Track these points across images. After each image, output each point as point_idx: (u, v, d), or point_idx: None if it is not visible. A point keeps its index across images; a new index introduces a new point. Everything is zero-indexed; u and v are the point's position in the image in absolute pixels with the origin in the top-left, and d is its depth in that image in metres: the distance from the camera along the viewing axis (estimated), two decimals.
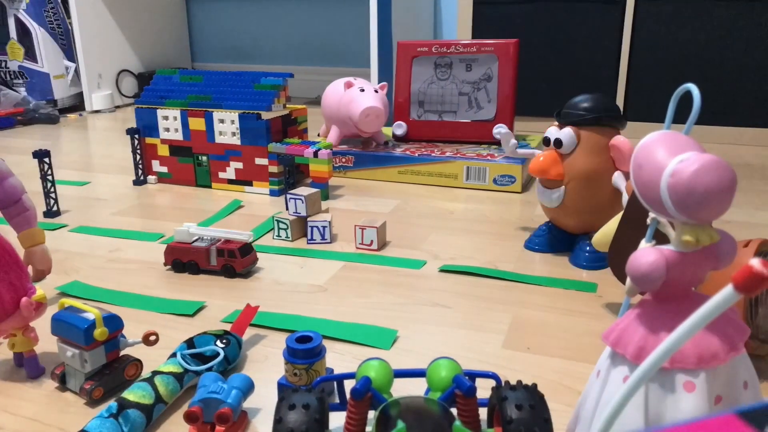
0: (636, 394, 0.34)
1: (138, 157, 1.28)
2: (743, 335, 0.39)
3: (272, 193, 1.21)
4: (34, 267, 0.72)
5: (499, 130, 0.91)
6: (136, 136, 1.27)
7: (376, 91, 1.29)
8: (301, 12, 2.48)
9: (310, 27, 2.49)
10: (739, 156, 1.47)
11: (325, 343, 0.66)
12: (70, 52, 2.24)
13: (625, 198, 0.79)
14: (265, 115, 1.18)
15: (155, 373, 0.57)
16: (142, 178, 1.30)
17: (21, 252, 0.67)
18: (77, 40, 2.12)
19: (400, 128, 1.42)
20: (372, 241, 0.92)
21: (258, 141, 1.18)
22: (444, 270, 0.85)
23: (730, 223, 1.01)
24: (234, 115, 1.18)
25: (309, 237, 0.95)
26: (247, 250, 0.83)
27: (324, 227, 0.95)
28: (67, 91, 2.24)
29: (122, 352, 0.60)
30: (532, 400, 0.44)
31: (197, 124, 1.22)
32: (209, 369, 0.59)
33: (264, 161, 1.19)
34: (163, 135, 1.26)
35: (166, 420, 0.55)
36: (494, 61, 1.35)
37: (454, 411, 0.47)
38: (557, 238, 0.91)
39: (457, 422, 0.42)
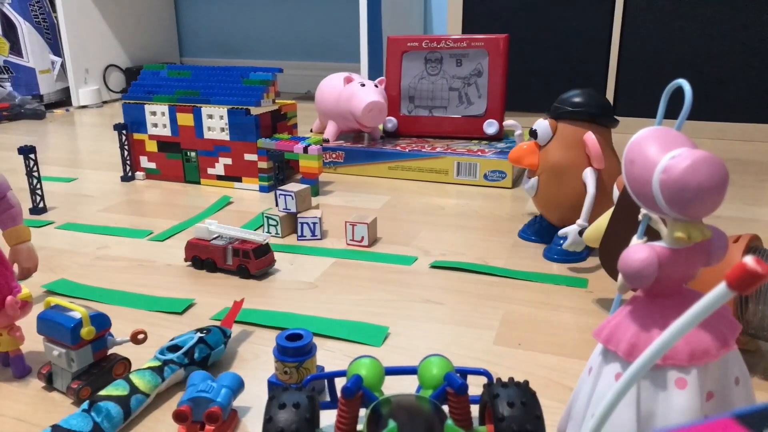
0: (628, 391, 0.34)
1: (126, 153, 1.27)
2: (735, 331, 0.39)
3: (262, 189, 1.20)
4: (20, 265, 0.72)
5: (508, 122, 0.93)
6: (124, 131, 1.26)
7: (376, 86, 1.29)
8: (290, 6, 2.47)
9: (299, 22, 2.47)
10: (728, 151, 1.48)
11: (316, 340, 0.65)
12: (56, 47, 2.22)
13: (591, 196, 0.81)
14: (254, 111, 1.17)
15: (130, 372, 0.56)
16: (129, 174, 1.28)
17: (6, 250, 0.66)
18: (63, 35, 2.10)
19: (390, 123, 1.42)
20: (363, 238, 0.92)
21: (247, 137, 1.17)
22: (435, 266, 0.85)
23: (720, 219, 1.01)
24: (223, 110, 1.17)
25: (299, 233, 0.95)
26: (262, 251, 0.82)
27: (314, 224, 0.94)
28: (53, 86, 2.22)
29: (110, 351, 0.59)
30: (524, 397, 0.44)
31: (185, 119, 1.21)
32: (186, 353, 0.58)
33: (253, 157, 1.18)
34: (151, 131, 1.25)
35: (154, 420, 0.55)
36: (484, 57, 1.35)
37: (445, 408, 0.47)
38: (546, 230, 0.91)
39: (449, 421, 0.42)
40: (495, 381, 0.46)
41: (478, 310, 0.73)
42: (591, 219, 0.76)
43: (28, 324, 0.63)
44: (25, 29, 2.12)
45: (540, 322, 0.70)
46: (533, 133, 0.87)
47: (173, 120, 1.22)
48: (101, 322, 0.57)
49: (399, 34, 1.47)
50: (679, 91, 0.39)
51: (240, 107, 1.17)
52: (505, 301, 0.75)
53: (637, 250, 0.38)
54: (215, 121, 1.19)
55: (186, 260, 0.86)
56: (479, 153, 1.24)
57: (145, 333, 0.58)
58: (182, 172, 1.25)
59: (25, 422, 0.54)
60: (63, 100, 2.26)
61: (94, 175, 1.35)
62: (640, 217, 0.42)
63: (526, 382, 0.46)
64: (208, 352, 0.60)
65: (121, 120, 1.93)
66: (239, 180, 1.21)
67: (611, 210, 0.70)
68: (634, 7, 1.60)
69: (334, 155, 1.32)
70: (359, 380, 0.46)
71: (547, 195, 0.87)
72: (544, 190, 0.87)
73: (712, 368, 0.38)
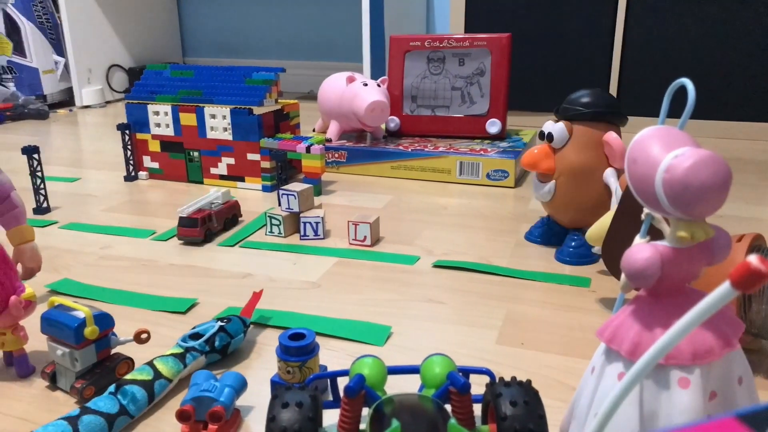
0: (631, 391, 0.34)
1: (129, 152, 1.27)
2: (738, 331, 0.39)
3: (265, 189, 1.20)
4: (24, 265, 0.72)
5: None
6: (127, 131, 1.26)
7: (378, 86, 1.29)
8: (292, 6, 2.47)
9: (301, 21, 2.47)
10: (731, 150, 1.48)
11: (319, 340, 0.65)
12: (59, 47, 2.22)
13: (617, 195, 0.79)
14: (257, 110, 1.17)
15: (154, 359, 0.58)
16: (133, 174, 1.29)
17: (10, 249, 0.66)
18: (66, 35, 2.10)
19: (392, 123, 1.42)
20: (365, 237, 0.92)
21: (250, 136, 1.17)
22: (437, 265, 0.85)
23: (723, 218, 1.01)
24: (225, 110, 1.18)
25: (302, 233, 0.95)
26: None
27: (317, 223, 0.94)
28: (56, 86, 2.22)
29: (113, 351, 0.59)
30: (527, 396, 0.44)
31: (188, 119, 1.21)
32: (207, 341, 0.60)
33: (256, 157, 1.18)
34: (154, 130, 1.25)
35: (158, 419, 0.55)
36: (487, 56, 1.35)
37: (448, 408, 0.47)
38: (554, 231, 0.91)
39: (452, 420, 0.42)
40: (498, 380, 0.46)
41: (480, 310, 0.73)
42: (595, 219, 0.76)
43: (31, 323, 0.63)
44: (28, 29, 2.13)
45: (543, 322, 0.70)
46: (547, 136, 0.84)
47: (176, 120, 1.22)
48: (105, 321, 0.57)
49: (401, 34, 1.47)
50: (683, 90, 0.38)
51: (243, 107, 1.17)
52: (507, 300, 0.75)
53: (640, 250, 0.38)
54: (218, 121, 1.19)
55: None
56: (482, 152, 1.24)
57: (148, 332, 0.58)
58: (185, 171, 1.25)
59: (28, 421, 0.55)
60: (66, 100, 2.26)
61: (98, 174, 1.35)
62: (642, 216, 0.42)
63: (529, 382, 0.46)
64: (228, 340, 0.62)
65: (124, 120, 1.94)
66: (242, 180, 1.21)
67: (614, 209, 0.70)
68: (637, 6, 1.59)
69: (336, 155, 1.32)
70: (362, 379, 0.46)
71: (565, 198, 0.84)
72: (563, 193, 0.84)
73: (715, 368, 0.38)
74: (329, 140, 1.31)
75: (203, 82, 1.23)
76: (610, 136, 0.80)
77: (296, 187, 0.95)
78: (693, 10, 1.55)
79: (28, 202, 0.97)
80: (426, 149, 1.28)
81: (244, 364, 0.63)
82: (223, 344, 0.61)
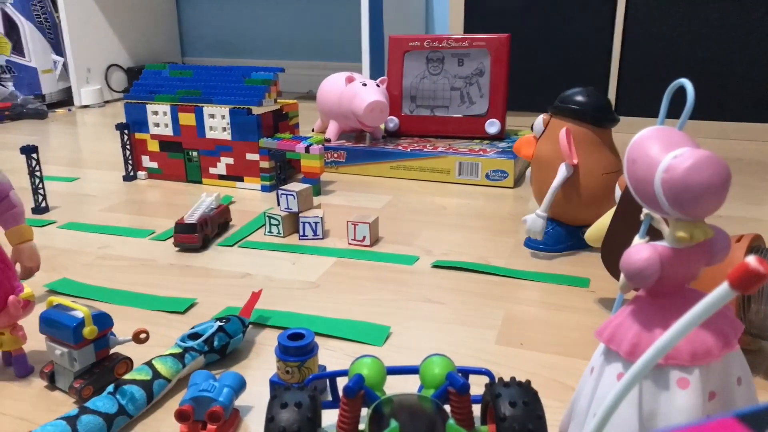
0: (630, 391, 0.34)
1: (128, 152, 1.27)
2: (737, 331, 0.39)
3: (263, 189, 1.20)
4: (22, 264, 0.72)
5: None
6: (126, 131, 1.26)
7: (377, 86, 1.29)
8: (292, 6, 2.47)
9: (301, 21, 2.47)
10: (730, 151, 1.48)
11: (318, 340, 0.65)
12: (58, 47, 2.22)
13: (554, 191, 0.84)
14: (256, 110, 1.17)
15: (153, 359, 0.58)
16: (131, 173, 1.29)
17: (8, 249, 0.66)
18: (65, 35, 2.10)
19: (391, 123, 1.42)
20: (364, 237, 0.92)
21: (249, 136, 1.17)
22: (437, 266, 0.85)
23: (722, 218, 1.01)
24: (224, 110, 1.17)
25: (301, 233, 0.95)
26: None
27: (316, 223, 0.94)
28: (55, 85, 2.22)
29: (112, 351, 0.59)
30: (526, 396, 0.44)
31: (187, 119, 1.21)
32: (206, 341, 0.60)
33: (255, 156, 1.18)
34: (153, 130, 1.25)
35: (157, 419, 0.55)
36: (486, 56, 1.35)
37: (447, 408, 0.47)
38: (555, 237, 0.90)
39: (451, 420, 0.42)
40: (497, 380, 0.46)
41: (479, 310, 0.73)
42: (594, 218, 0.76)
43: (30, 323, 0.63)
44: (27, 29, 2.13)
45: (542, 322, 0.70)
46: (532, 126, 0.92)
47: (175, 120, 1.22)
48: (103, 321, 0.57)
49: (401, 34, 1.47)
50: (682, 90, 0.38)
51: (242, 107, 1.17)
52: (506, 300, 0.75)
53: (639, 250, 0.38)
54: (217, 121, 1.19)
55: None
56: (481, 152, 1.24)
57: (147, 332, 0.58)
58: (184, 171, 1.25)
59: (27, 421, 0.55)
60: (65, 99, 2.26)
61: (96, 174, 1.35)
62: (642, 216, 0.42)
63: (528, 382, 0.46)
64: (227, 340, 0.62)
65: (123, 120, 1.94)
66: (241, 179, 1.21)
67: (613, 209, 0.70)
68: (636, 6, 1.60)
69: (335, 155, 1.32)
70: (361, 380, 0.46)
71: (536, 184, 0.91)
72: (534, 179, 0.92)
73: (715, 368, 0.38)
74: (328, 140, 1.31)
75: (202, 82, 1.23)
76: (561, 132, 0.84)
77: (295, 187, 0.95)
78: (693, 10, 1.55)
79: (26, 202, 0.97)
80: (425, 149, 1.28)
81: (243, 364, 0.63)
82: (222, 344, 0.61)
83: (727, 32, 1.54)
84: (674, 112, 0.45)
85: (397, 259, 0.87)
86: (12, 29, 2.13)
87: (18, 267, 0.72)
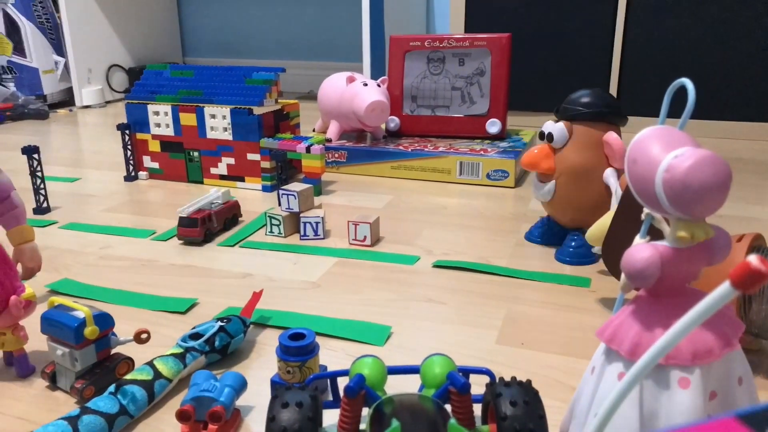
0: (631, 391, 0.34)
1: (129, 152, 1.27)
2: (738, 331, 0.39)
3: (265, 189, 1.20)
4: (24, 265, 0.72)
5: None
6: (127, 131, 1.26)
7: (378, 86, 1.29)
8: (293, 6, 2.47)
9: (302, 21, 2.47)
10: (731, 150, 1.48)
11: (319, 340, 0.65)
12: (59, 47, 2.22)
13: (617, 195, 0.79)
14: (257, 110, 1.17)
15: (154, 359, 0.58)
16: (133, 174, 1.29)
17: (10, 249, 0.66)
18: (66, 35, 2.10)
19: (392, 123, 1.42)
20: (365, 237, 0.92)
21: (250, 136, 1.17)
22: (437, 266, 0.85)
23: (723, 218, 1.01)
24: (225, 110, 1.18)
25: (302, 233, 0.95)
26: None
27: (317, 223, 0.94)
28: (56, 86, 2.22)
29: (113, 351, 0.59)
30: (527, 396, 0.44)
31: (188, 119, 1.21)
32: (207, 341, 0.60)
33: (256, 157, 1.18)
34: (154, 130, 1.25)
35: (158, 419, 0.55)
36: (487, 56, 1.35)
37: (448, 408, 0.47)
38: (554, 231, 0.91)
39: (452, 420, 0.42)
40: (498, 380, 0.46)
41: (480, 310, 0.73)
42: (595, 220, 0.76)
43: (31, 323, 0.63)
44: (28, 29, 2.13)
45: (543, 322, 0.70)
46: (548, 136, 0.84)
47: (176, 120, 1.22)
48: (104, 321, 0.57)
49: (401, 34, 1.47)
50: (683, 90, 0.38)
51: (243, 107, 1.17)
52: (507, 300, 0.75)
53: (640, 250, 0.38)
54: (218, 121, 1.19)
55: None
56: (482, 152, 1.24)
57: (148, 332, 0.58)
58: (185, 171, 1.25)
59: (28, 421, 0.55)
60: (66, 100, 2.26)
61: (98, 174, 1.35)
62: (642, 216, 0.42)
63: (529, 382, 0.46)
64: (228, 340, 0.62)
65: (124, 120, 1.94)
66: (242, 180, 1.21)
67: (614, 209, 0.69)
68: (637, 6, 1.59)
69: (336, 155, 1.32)
70: (362, 379, 0.46)
71: (565, 198, 0.85)
72: (563, 193, 0.84)
73: (715, 368, 0.38)
74: (329, 140, 1.31)
75: (203, 82, 1.23)
76: (610, 136, 0.80)
77: (296, 187, 0.95)
78: (693, 10, 1.55)
79: (28, 202, 0.97)
80: (426, 149, 1.28)
81: (244, 364, 0.63)
82: (223, 344, 0.61)
83: (728, 31, 1.54)
84: (675, 112, 0.45)
85: (397, 259, 0.87)
86: (13, 30, 2.13)
87: (19, 267, 0.72)
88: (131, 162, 1.28)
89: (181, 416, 0.50)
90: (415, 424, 0.40)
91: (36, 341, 0.64)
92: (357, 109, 1.26)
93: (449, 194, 1.17)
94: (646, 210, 0.41)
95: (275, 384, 0.56)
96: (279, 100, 1.24)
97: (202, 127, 1.20)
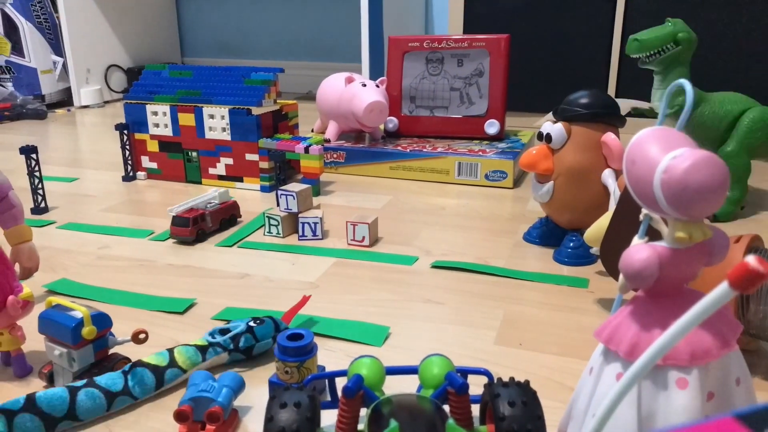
0: (629, 391, 0.34)
1: (127, 153, 1.27)
2: (736, 331, 0.39)
3: (263, 189, 1.20)
4: (21, 264, 0.72)
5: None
6: (125, 131, 1.26)
7: (377, 86, 1.29)
8: (291, 7, 2.47)
9: (300, 22, 2.47)
10: None
11: (317, 340, 0.65)
12: (57, 47, 2.22)
13: (615, 196, 0.79)
14: (256, 111, 1.17)
15: (177, 346, 0.58)
16: (131, 174, 1.29)
17: (8, 249, 0.66)
18: (65, 35, 2.10)
19: (391, 124, 1.42)
20: (364, 238, 0.92)
21: (248, 136, 1.17)
22: (436, 266, 0.85)
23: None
24: (224, 110, 1.17)
25: (300, 233, 0.95)
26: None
27: (315, 223, 0.94)
28: (54, 86, 2.22)
29: (111, 351, 0.59)
30: (525, 396, 0.44)
31: (187, 119, 1.21)
32: (233, 339, 0.60)
33: (254, 157, 1.18)
34: (153, 131, 1.25)
35: (155, 419, 0.55)
36: (485, 57, 1.35)
37: (446, 408, 0.47)
38: (552, 232, 0.91)
39: (450, 420, 0.42)
40: (496, 381, 0.46)
41: (479, 310, 0.73)
42: (593, 220, 0.76)
43: (29, 323, 0.63)
44: (26, 29, 2.13)
45: (541, 322, 0.70)
46: (546, 137, 0.84)
47: (174, 120, 1.22)
48: (102, 321, 0.57)
49: (400, 34, 1.47)
50: (681, 91, 0.39)
51: (241, 107, 1.17)
52: (506, 301, 0.75)
53: (639, 250, 0.38)
54: (216, 121, 1.19)
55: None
56: (480, 153, 1.24)
57: (146, 333, 0.58)
58: (183, 172, 1.25)
59: None
60: (65, 100, 2.26)
61: (96, 174, 1.35)
62: (641, 217, 0.42)
63: (527, 382, 0.46)
64: (253, 342, 0.61)
65: (122, 120, 1.94)
66: (240, 180, 1.21)
67: (612, 210, 0.70)
68: (635, 7, 1.60)
69: (335, 155, 1.32)
70: (360, 380, 0.46)
71: (564, 199, 0.85)
72: (561, 194, 0.85)
73: (713, 368, 0.38)
74: (328, 140, 1.31)
75: (202, 83, 1.23)
76: (609, 137, 0.80)
77: (295, 187, 0.95)
78: (692, 11, 1.55)
79: (26, 202, 0.97)
80: (424, 150, 1.28)
81: (242, 364, 0.63)
82: (248, 345, 0.61)
83: (727, 32, 1.54)
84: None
85: (396, 259, 0.87)
86: (12, 29, 2.13)
87: (17, 267, 0.72)
88: (129, 162, 1.28)
89: (179, 416, 0.50)
90: (413, 424, 0.40)
91: (33, 341, 0.63)
92: (356, 110, 1.26)
93: (448, 195, 1.17)
94: (644, 211, 0.41)
95: (273, 384, 0.56)
96: (278, 101, 1.24)
97: (200, 128, 1.20)
